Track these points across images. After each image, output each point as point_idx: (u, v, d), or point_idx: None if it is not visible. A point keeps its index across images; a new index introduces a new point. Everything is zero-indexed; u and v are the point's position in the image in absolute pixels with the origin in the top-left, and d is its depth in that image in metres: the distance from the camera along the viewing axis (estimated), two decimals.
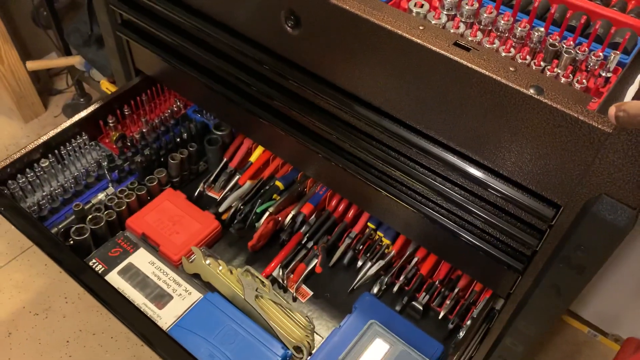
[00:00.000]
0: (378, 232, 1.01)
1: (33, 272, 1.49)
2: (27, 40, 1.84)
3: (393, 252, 0.98)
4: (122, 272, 0.91)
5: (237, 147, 1.11)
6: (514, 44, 0.69)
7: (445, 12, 0.72)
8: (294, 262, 0.98)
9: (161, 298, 0.89)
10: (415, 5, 0.71)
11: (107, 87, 1.66)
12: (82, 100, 1.87)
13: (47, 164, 0.98)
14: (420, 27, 0.63)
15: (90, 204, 1.00)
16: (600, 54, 0.66)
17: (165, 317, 0.86)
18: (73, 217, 0.97)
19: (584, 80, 0.65)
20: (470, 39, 0.68)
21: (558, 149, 0.59)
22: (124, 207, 0.97)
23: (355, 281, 0.97)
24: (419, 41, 0.61)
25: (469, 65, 0.59)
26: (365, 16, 0.64)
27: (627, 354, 1.23)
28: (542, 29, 0.69)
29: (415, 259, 0.98)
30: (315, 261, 0.98)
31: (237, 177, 1.08)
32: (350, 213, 1.03)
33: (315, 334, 0.91)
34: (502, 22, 0.70)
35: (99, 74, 1.68)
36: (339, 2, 0.65)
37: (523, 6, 0.74)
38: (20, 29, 1.80)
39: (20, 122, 1.87)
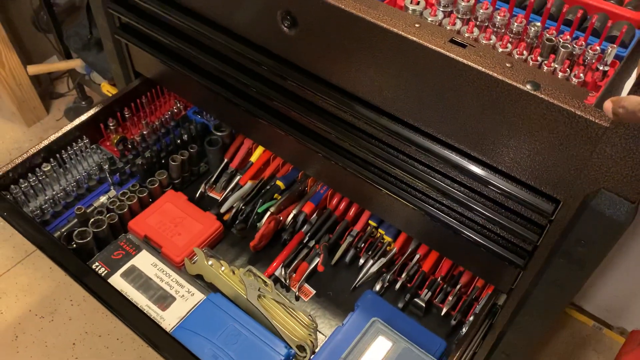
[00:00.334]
0: (379, 230, 1.01)
1: (38, 276, 1.49)
2: (27, 44, 1.85)
3: (395, 249, 0.98)
4: (125, 274, 0.92)
5: (238, 147, 1.11)
6: (510, 40, 0.69)
7: (441, 9, 0.72)
8: (296, 262, 0.98)
9: (164, 300, 0.89)
10: (411, 2, 0.71)
11: (108, 89, 1.67)
12: (83, 103, 1.87)
13: (48, 168, 0.99)
14: (416, 25, 0.63)
15: (92, 207, 1.00)
16: (598, 47, 0.66)
17: (169, 319, 0.87)
18: (75, 220, 0.97)
19: (581, 75, 0.65)
20: (466, 35, 0.68)
21: (556, 144, 0.59)
22: (125, 210, 0.98)
23: (358, 279, 0.97)
24: (415, 39, 0.61)
25: (465, 62, 0.59)
26: (361, 15, 0.64)
27: (632, 347, 1.23)
28: (539, 24, 0.69)
29: (417, 256, 0.98)
30: (317, 260, 0.98)
31: (238, 177, 1.08)
32: (352, 211, 1.04)
33: (318, 332, 0.91)
34: (499, 17, 0.70)
35: (99, 77, 1.69)
36: (335, 1, 0.65)
37: (519, 1, 0.74)
38: (20, 34, 1.80)
39: (22, 126, 1.88)
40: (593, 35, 0.69)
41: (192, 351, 0.76)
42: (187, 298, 0.89)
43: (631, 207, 0.58)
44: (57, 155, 1.00)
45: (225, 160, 1.10)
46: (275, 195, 1.05)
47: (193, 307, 0.88)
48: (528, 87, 0.57)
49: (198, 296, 0.89)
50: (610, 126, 0.53)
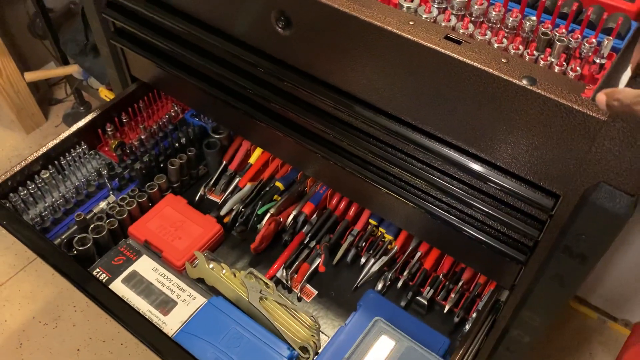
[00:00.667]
0: (380, 229, 1.01)
1: (41, 282, 1.49)
2: (24, 51, 1.85)
3: (396, 247, 0.98)
4: (126, 280, 0.92)
5: (236, 149, 1.11)
6: (506, 35, 0.68)
7: (435, 6, 0.71)
8: (297, 262, 0.98)
9: (166, 304, 0.89)
10: (405, 0, 0.71)
11: (106, 94, 1.67)
12: (81, 108, 1.87)
13: (47, 175, 0.99)
14: (411, 22, 0.62)
15: (92, 213, 1.00)
16: (594, 40, 0.66)
17: (171, 323, 0.87)
18: (75, 227, 0.97)
19: (577, 68, 0.64)
20: (461, 31, 0.68)
21: (554, 138, 0.58)
22: (125, 215, 0.98)
23: (359, 278, 0.97)
24: (409, 36, 0.61)
25: (461, 58, 0.59)
26: (355, 14, 0.63)
27: (638, 339, 1.22)
28: (534, 18, 0.68)
29: (419, 254, 0.98)
30: (318, 260, 0.98)
31: (237, 179, 1.08)
32: (352, 211, 1.03)
33: (321, 333, 0.91)
34: (494, 12, 0.69)
35: (97, 82, 1.69)
36: (329, 0, 0.65)
37: None
38: (17, 41, 1.80)
39: (22, 133, 1.88)
40: (589, 27, 0.68)
41: (195, 355, 0.76)
42: (189, 302, 0.89)
43: (631, 200, 0.58)
44: (56, 162, 1.00)
45: (224, 162, 1.10)
46: (275, 196, 1.05)
47: (195, 311, 0.88)
48: (524, 82, 0.56)
49: (200, 300, 0.89)
50: (608, 120, 0.53)
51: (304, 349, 0.86)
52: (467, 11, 0.71)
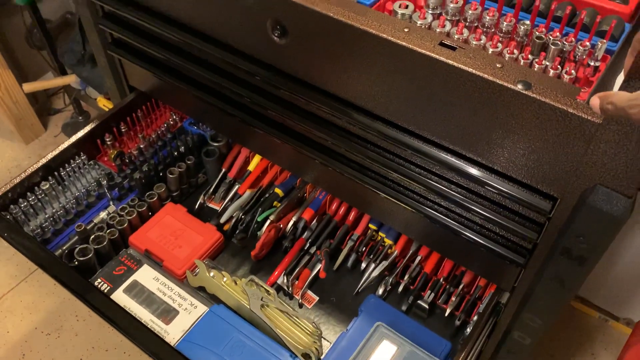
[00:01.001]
0: (380, 233, 1.01)
1: (43, 292, 1.50)
2: (22, 62, 1.85)
3: (396, 252, 0.98)
4: (128, 289, 0.92)
5: (235, 156, 1.11)
6: (500, 39, 0.69)
7: (430, 12, 0.72)
8: (298, 269, 0.98)
9: (167, 313, 0.89)
10: (400, 6, 0.71)
11: (104, 104, 1.67)
12: (80, 118, 1.88)
13: (47, 186, 0.99)
14: (405, 29, 0.63)
15: (93, 223, 1.01)
16: (588, 43, 0.66)
17: (173, 332, 0.87)
18: (76, 237, 0.98)
19: (572, 71, 0.65)
20: (456, 37, 0.68)
21: (550, 142, 0.59)
22: (125, 225, 0.98)
23: (360, 283, 0.97)
24: (404, 44, 0.61)
25: (456, 64, 0.59)
26: (350, 22, 0.64)
27: (639, 337, 1.22)
28: (528, 22, 0.69)
29: (419, 258, 0.98)
30: (319, 266, 0.98)
31: (236, 186, 1.08)
32: (351, 216, 1.04)
33: (323, 339, 0.91)
34: (488, 17, 0.70)
35: (95, 92, 1.69)
36: (323, 9, 0.65)
37: (508, 0, 0.74)
38: (15, 52, 1.81)
39: (21, 143, 1.89)
40: (583, 30, 0.69)
41: None
42: (190, 311, 0.89)
43: (628, 202, 0.58)
44: (56, 173, 1.01)
45: (223, 170, 1.11)
46: (275, 202, 1.05)
47: (196, 320, 0.88)
48: (519, 86, 0.57)
49: (201, 308, 0.90)
50: (603, 123, 0.53)
51: (306, 356, 0.86)
52: (461, 16, 0.72)
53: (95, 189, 1.05)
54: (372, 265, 0.98)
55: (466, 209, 0.72)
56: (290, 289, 0.97)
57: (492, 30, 0.70)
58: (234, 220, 1.03)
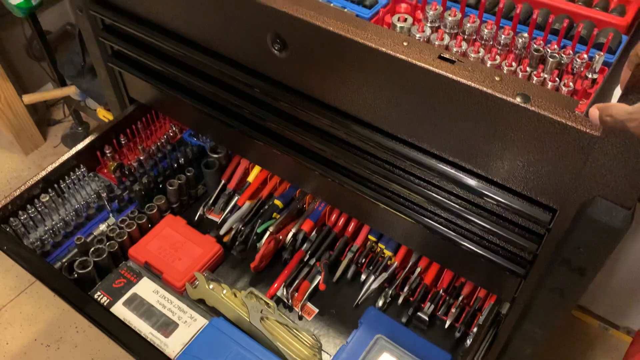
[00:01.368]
0: (379, 244, 1.01)
1: (42, 304, 1.49)
2: (22, 73, 1.86)
3: (396, 263, 0.98)
4: (127, 302, 0.92)
5: (234, 168, 1.11)
6: (499, 52, 0.69)
7: (429, 25, 0.72)
8: (297, 281, 0.98)
9: (167, 326, 0.89)
10: (398, 20, 0.72)
11: (104, 115, 1.67)
12: (80, 129, 1.88)
13: (47, 198, 0.99)
14: (404, 43, 0.63)
15: (92, 235, 1.01)
16: (585, 55, 0.67)
17: (173, 346, 0.86)
18: (76, 250, 0.98)
19: (570, 83, 0.65)
20: (455, 50, 0.69)
21: (549, 154, 0.59)
22: (125, 237, 0.98)
23: (360, 296, 0.97)
24: (403, 57, 0.62)
25: (455, 77, 0.59)
26: (349, 36, 0.64)
27: (639, 346, 1.22)
28: (526, 35, 0.69)
29: (418, 269, 0.98)
30: (318, 278, 0.98)
31: (236, 198, 1.08)
32: (351, 227, 1.04)
33: (322, 352, 0.90)
34: (486, 30, 0.70)
35: (94, 103, 1.69)
36: (323, 23, 0.66)
37: (505, 13, 0.74)
38: (14, 63, 1.81)
39: (21, 154, 1.89)
40: (580, 43, 0.69)
41: None
42: (190, 324, 0.89)
43: (627, 214, 0.58)
44: (55, 185, 1.01)
45: (223, 181, 1.11)
46: (274, 214, 1.05)
47: (196, 333, 0.88)
48: (518, 99, 0.57)
49: (201, 321, 0.89)
50: (601, 135, 0.54)
51: None
52: (459, 29, 0.72)
53: (95, 201, 1.05)
54: (372, 277, 0.98)
55: (466, 220, 0.72)
56: (289, 301, 0.96)
57: (491, 43, 0.71)
58: (233, 232, 1.03)
